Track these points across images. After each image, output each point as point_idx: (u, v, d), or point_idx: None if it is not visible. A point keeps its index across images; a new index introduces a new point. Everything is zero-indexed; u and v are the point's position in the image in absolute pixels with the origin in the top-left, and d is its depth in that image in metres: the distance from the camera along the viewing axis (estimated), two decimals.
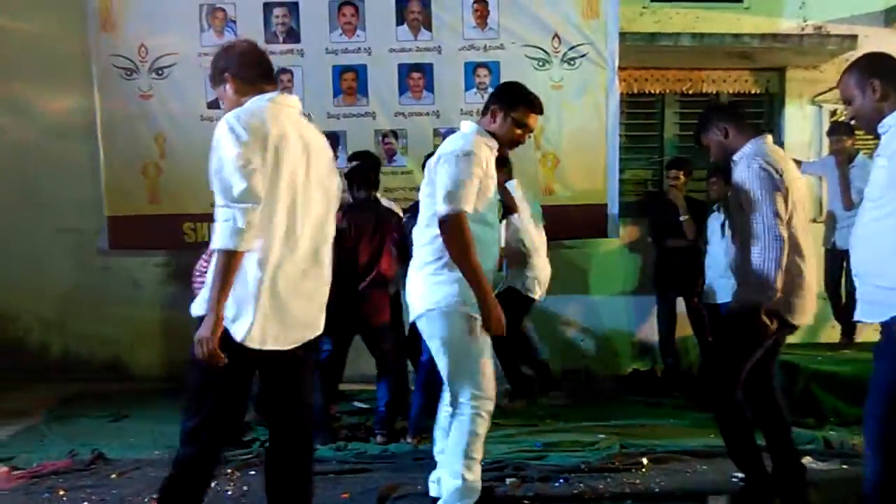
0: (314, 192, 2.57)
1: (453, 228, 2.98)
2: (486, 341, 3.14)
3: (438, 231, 3.03)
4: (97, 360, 6.23)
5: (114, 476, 3.89)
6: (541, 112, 3.28)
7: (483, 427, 3.17)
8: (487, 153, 3.13)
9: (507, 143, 3.24)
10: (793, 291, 3.29)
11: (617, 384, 6.09)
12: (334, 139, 5.58)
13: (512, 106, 3.18)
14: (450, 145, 3.12)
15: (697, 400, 5.21)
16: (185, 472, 2.53)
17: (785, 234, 3.17)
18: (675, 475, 3.92)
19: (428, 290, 3.13)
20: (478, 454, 3.18)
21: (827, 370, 5.04)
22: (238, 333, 2.39)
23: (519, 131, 3.22)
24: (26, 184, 6.06)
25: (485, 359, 3.14)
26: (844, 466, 4.08)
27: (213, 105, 5.61)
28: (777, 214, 3.17)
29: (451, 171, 3.01)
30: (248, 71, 2.63)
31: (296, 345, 2.56)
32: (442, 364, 3.18)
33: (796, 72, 6.71)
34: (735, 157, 3.39)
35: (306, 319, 2.59)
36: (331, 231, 2.68)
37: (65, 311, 6.21)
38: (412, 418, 4.50)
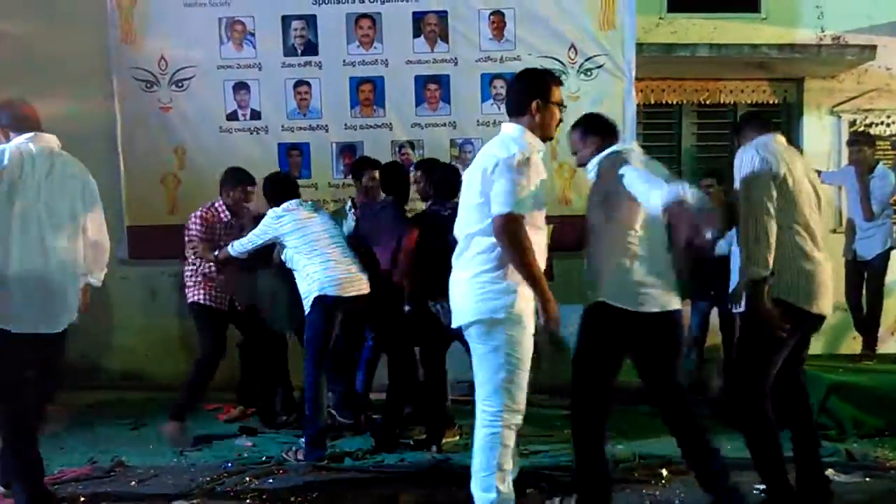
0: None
1: (513, 232, 2.95)
2: (530, 356, 3.12)
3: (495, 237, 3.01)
4: (116, 369, 6.28)
5: (133, 483, 3.92)
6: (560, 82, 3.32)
7: (512, 439, 3.14)
8: (539, 156, 3.12)
9: (550, 132, 3.22)
10: (810, 280, 3.31)
11: (635, 395, 6.03)
12: (352, 150, 5.64)
13: (549, 92, 3.17)
14: (501, 150, 3.05)
15: (722, 415, 5.17)
16: None
17: (773, 212, 3.23)
18: (695, 487, 3.85)
19: (483, 298, 3.07)
20: (508, 465, 3.14)
21: (848, 381, 4.98)
22: None
23: (558, 112, 3.22)
24: None
25: (526, 371, 3.12)
26: (867, 479, 4.02)
27: (232, 117, 5.69)
28: (768, 196, 3.25)
29: (510, 177, 2.97)
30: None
31: None
32: (486, 373, 3.11)
33: (814, 82, 6.70)
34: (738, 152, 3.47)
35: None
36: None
37: (83, 320, 6.22)
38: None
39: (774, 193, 3.26)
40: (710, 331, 5.83)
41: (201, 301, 4.71)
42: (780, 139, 3.51)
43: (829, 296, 3.42)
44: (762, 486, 3.58)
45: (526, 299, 3.07)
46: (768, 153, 3.34)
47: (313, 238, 4.35)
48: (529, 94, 3.17)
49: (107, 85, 5.66)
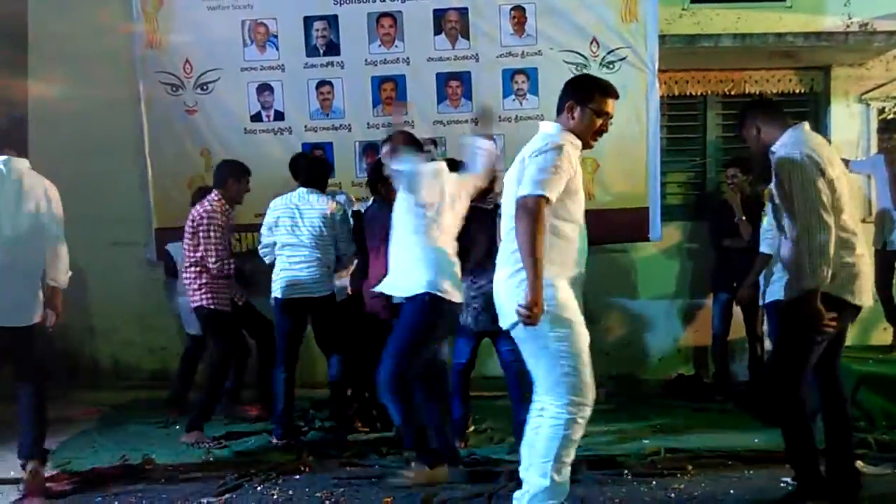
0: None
1: (530, 211, 2.93)
2: (586, 346, 3.10)
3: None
4: (146, 369, 6.40)
5: (163, 480, 3.98)
6: (616, 96, 3.25)
7: (579, 433, 3.10)
8: (575, 151, 3.12)
9: (588, 137, 3.20)
10: (849, 272, 3.28)
11: (662, 389, 6.03)
12: (375, 149, 5.66)
13: (588, 97, 3.16)
14: (536, 143, 3.10)
15: (749, 406, 5.14)
16: None
17: (831, 221, 3.17)
18: (720, 480, 3.85)
19: (522, 296, 2.98)
20: (569, 458, 3.11)
21: (878, 372, 4.92)
22: None
23: (600, 121, 3.18)
24: (78, 198, 6.21)
25: (585, 364, 3.08)
26: None
27: (256, 118, 5.75)
28: (821, 200, 3.17)
29: (539, 162, 2.99)
30: None
31: None
32: (542, 370, 3.09)
33: (841, 70, 6.59)
34: (774, 148, 3.40)
35: None
36: None
37: (114, 321, 6.39)
38: (457, 422, 4.52)
39: (825, 195, 3.19)
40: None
41: (209, 306, 4.65)
42: (808, 128, 3.46)
43: (870, 287, 3.41)
44: (789, 479, 3.55)
45: (566, 290, 3.06)
46: (810, 149, 3.26)
47: (281, 234, 4.58)
48: (568, 95, 3.20)
49: (133, 89, 5.74)
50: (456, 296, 3.78)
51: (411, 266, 3.77)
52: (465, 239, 4.15)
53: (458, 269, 3.86)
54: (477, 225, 4.28)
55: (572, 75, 5.56)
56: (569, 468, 3.14)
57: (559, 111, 3.22)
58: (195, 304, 4.71)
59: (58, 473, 4.03)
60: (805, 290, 3.21)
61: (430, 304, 3.71)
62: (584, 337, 3.09)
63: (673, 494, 3.70)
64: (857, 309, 3.39)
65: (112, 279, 6.30)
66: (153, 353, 6.38)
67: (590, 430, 4.52)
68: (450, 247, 3.85)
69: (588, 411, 3.10)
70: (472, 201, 4.51)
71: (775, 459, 3.90)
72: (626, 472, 3.97)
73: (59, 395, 5.72)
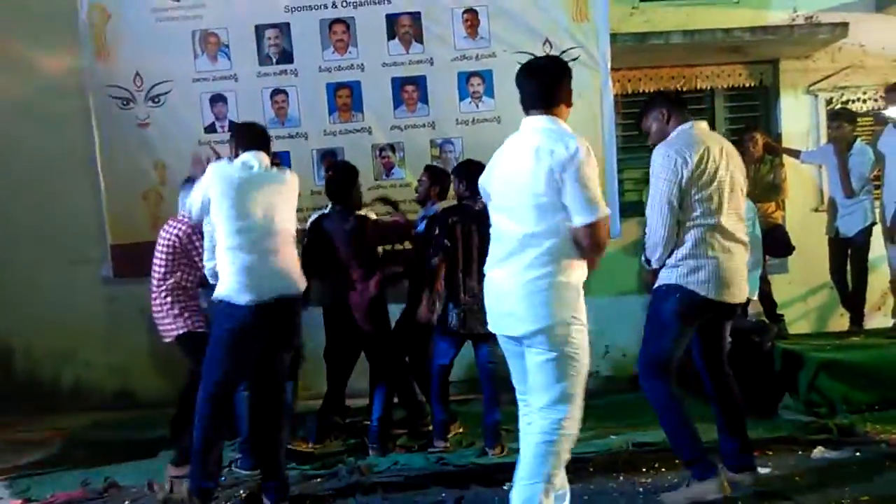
0: None
1: (605, 234, 2.92)
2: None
3: (560, 239, 2.89)
4: (107, 389, 6.29)
5: (126, 503, 3.91)
6: None
7: (568, 451, 2.99)
8: None
9: None
10: (709, 269, 3.42)
11: (627, 384, 6.08)
12: (332, 156, 5.62)
13: (570, 81, 3.14)
14: (557, 145, 2.90)
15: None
16: None
17: (672, 219, 3.41)
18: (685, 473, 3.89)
19: (549, 302, 2.89)
20: (558, 480, 2.99)
21: (836, 358, 5.03)
22: None
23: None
24: (31, 218, 6.13)
25: (585, 377, 3.02)
26: (857, 454, 4.07)
27: (210, 129, 5.66)
28: (668, 198, 3.41)
29: (587, 174, 2.87)
30: None
31: None
32: (550, 381, 2.92)
33: (789, 62, 6.75)
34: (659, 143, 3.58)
35: None
36: None
37: (74, 341, 6.26)
38: (440, 424, 4.58)
39: (675, 196, 3.44)
40: None
41: (197, 329, 4.25)
42: (700, 126, 3.62)
43: (735, 284, 3.52)
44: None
45: (583, 301, 3.00)
46: (685, 147, 3.46)
47: None
48: (565, 83, 3.09)
49: (83, 103, 5.63)
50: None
51: None
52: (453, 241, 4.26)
53: None
54: (466, 227, 4.31)
55: None
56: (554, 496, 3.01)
57: (552, 103, 3.03)
58: (180, 332, 4.26)
59: (18, 502, 3.93)
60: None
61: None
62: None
63: (640, 489, 3.73)
64: (724, 305, 3.51)
65: (70, 298, 6.19)
66: (115, 374, 6.26)
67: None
68: None
69: (577, 427, 3.00)
70: (460, 201, 4.56)
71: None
72: (591, 468, 4.00)
73: (19, 419, 5.63)
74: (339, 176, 4.83)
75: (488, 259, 3.12)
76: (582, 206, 2.86)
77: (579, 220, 2.86)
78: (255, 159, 3.73)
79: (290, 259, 3.75)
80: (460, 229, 4.41)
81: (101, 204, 5.65)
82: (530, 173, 2.92)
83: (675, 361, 3.53)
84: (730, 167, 3.50)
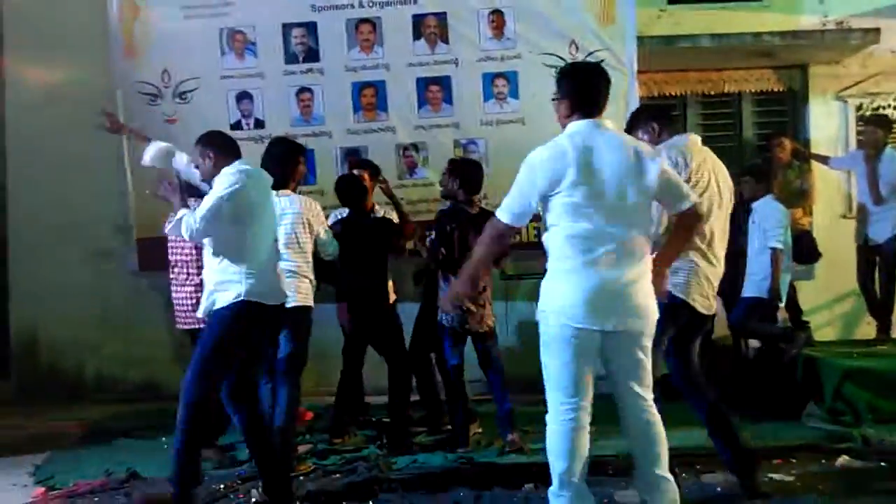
0: None
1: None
2: None
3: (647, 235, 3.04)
4: (131, 381, 6.35)
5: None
6: None
7: None
8: None
9: None
10: (682, 276, 3.44)
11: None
12: (356, 155, 5.64)
13: None
14: (645, 146, 3.12)
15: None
16: None
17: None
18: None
19: (651, 293, 3.04)
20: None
21: (862, 366, 4.96)
22: None
23: None
24: (58, 212, 6.21)
25: None
26: (883, 464, 3.99)
27: (236, 127, 5.70)
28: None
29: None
30: None
31: None
32: (650, 368, 3.07)
33: (819, 67, 6.67)
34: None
35: None
36: None
37: (99, 333, 6.33)
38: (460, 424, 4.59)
39: None
40: None
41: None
42: (694, 139, 3.66)
43: (704, 293, 3.51)
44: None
45: None
46: (682, 155, 3.48)
47: None
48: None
49: (111, 99, 5.69)
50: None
51: None
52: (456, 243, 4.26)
53: None
54: (463, 232, 4.32)
55: (552, 78, 5.64)
56: None
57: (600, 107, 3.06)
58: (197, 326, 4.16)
59: (40, 490, 3.98)
60: None
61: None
62: None
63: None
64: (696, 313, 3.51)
65: (96, 290, 6.27)
66: (139, 365, 6.33)
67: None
68: None
69: None
70: (456, 205, 4.57)
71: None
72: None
73: (43, 409, 5.70)
74: (340, 185, 4.82)
75: (578, 257, 2.93)
76: (685, 189, 3.11)
77: (686, 201, 3.06)
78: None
79: None
80: (457, 235, 4.45)
81: (127, 198, 5.73)
82: (634, 168, 2.96)
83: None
84: (720, 182, 3.56)
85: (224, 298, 3.45)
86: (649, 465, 3.05)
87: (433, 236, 4.62)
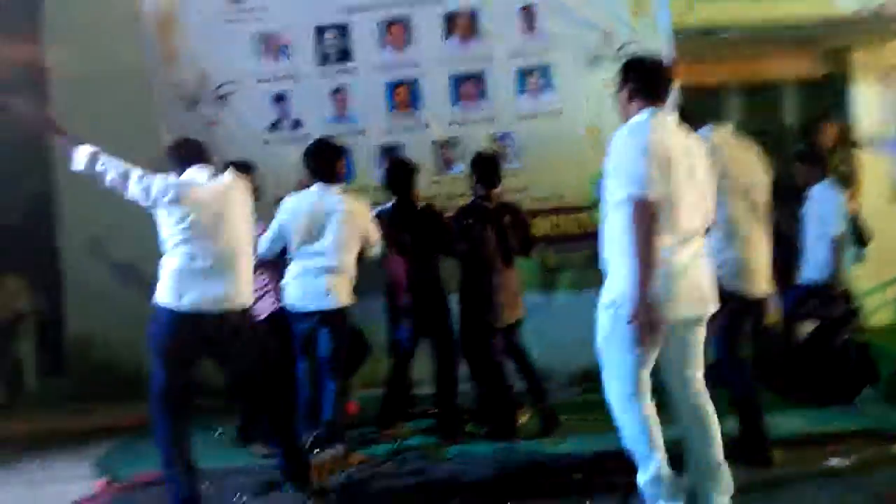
0: None
1: None
2: None
3: None
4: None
5: (206, 485, 3.97)
6: None
7: None
8: None
9: None
10: (732, 264, 3.61)
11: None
12: (393, 152, 5.65)
13: None
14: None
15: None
16: None
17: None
18: None
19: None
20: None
21: None
22: None
23: None
24: (109, 214, 6.30)
25: None
26: None
27: (275, 128, 5.75)
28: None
29: None
30: None
31: None
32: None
33: (860, 53, 6.53)
34: None
35: None
36: None
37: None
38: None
39: None
40: None
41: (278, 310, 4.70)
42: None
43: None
44: None
45: None
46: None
47: None
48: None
49: (151, 104, 5.77)
50: None
51: None
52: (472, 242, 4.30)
53: None
54: (482, 227, 4.35)
55: (586, 70, 5.62)
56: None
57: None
58: (273, 309, 4.58)
59: (101, 482, 4.05)
60: None
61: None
62: None
63: None
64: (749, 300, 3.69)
65: (146, 290, 6.34)
66: None
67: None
68: None
69: None
70: (475, 200, 4.59)
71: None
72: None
73: (102, 405, 5.84)
74: (392, 169, 4.96)
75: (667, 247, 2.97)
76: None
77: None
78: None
79: None
80: (478, 230, 4.50)
81: None
82: (700, 167, 3.12)
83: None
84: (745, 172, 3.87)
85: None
86: (705, 450, 3.01)
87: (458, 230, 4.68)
